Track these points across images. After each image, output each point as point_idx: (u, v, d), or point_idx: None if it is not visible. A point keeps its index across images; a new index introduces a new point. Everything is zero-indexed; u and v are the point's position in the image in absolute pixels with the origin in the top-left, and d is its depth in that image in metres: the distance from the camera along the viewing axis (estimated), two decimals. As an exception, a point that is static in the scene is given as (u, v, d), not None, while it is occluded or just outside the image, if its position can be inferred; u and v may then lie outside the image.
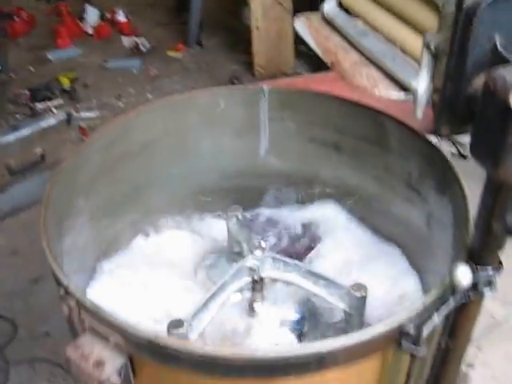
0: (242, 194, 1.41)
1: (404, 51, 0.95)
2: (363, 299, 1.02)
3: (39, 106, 3.52)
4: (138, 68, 3.98)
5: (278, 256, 1.13)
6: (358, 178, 1.34)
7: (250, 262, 1.12)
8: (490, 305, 2.17)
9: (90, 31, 4.47)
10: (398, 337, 0.81)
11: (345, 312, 1.05)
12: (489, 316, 2.12)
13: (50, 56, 4.13)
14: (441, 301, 0.85)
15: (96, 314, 0.84)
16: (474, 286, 0.87)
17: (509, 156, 0.70)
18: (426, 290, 1.14)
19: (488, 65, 0.76)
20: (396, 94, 0.85)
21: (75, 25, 4.47)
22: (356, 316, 1.04)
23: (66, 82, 3.74)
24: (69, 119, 2.60)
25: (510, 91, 0.68)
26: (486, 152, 0.74)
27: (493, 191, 0.79)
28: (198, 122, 1.35)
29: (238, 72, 3.77)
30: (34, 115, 3.31)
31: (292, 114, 1.34)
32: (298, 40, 3.59)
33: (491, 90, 0.70)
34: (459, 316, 0.93)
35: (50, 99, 3.58)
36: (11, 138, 2.58)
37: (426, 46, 0.81)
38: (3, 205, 2.69)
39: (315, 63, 3.61)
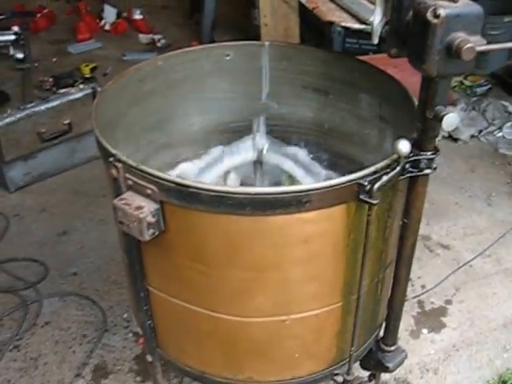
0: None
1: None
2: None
3: (62, 92, 3.85)
4: (154, 61, 4.30)
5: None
6: (341, 117, 1.66)
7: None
8: (466, 254, 2.57)
9: (108, 28, 4.76)
10: (356, 190, 1.11)
11: None
12: (463, 263, 2.53)
13: (71, 49, 4.42)
14: (390, 168, 1.14)
15: (138, 170, 1.12)
16: (417, 165, 1.17)
17: (429, 54, 1.02)
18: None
19: (419, -2, 1.09)
20: (357, 26, 1.19)
21: (94, 22, 4.76)
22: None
23: (86, 71, 4.04)
24: (94, 93, 2.92)
25: (427, 9, 1.00)
26: (416, 56, 1.05)
27: (425, 87, 1.10)
28: (211, 69, 1.66)
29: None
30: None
31: (289, 64, 1.66)
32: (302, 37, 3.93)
33: (416, 11, 1.03)
34: (410, 195, 1.24)
35: (72, 86, 3.90)
36: (42, 108, 2.87)
37: (379, -12, 1.13)
38: (33, 170, 2.94)
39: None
